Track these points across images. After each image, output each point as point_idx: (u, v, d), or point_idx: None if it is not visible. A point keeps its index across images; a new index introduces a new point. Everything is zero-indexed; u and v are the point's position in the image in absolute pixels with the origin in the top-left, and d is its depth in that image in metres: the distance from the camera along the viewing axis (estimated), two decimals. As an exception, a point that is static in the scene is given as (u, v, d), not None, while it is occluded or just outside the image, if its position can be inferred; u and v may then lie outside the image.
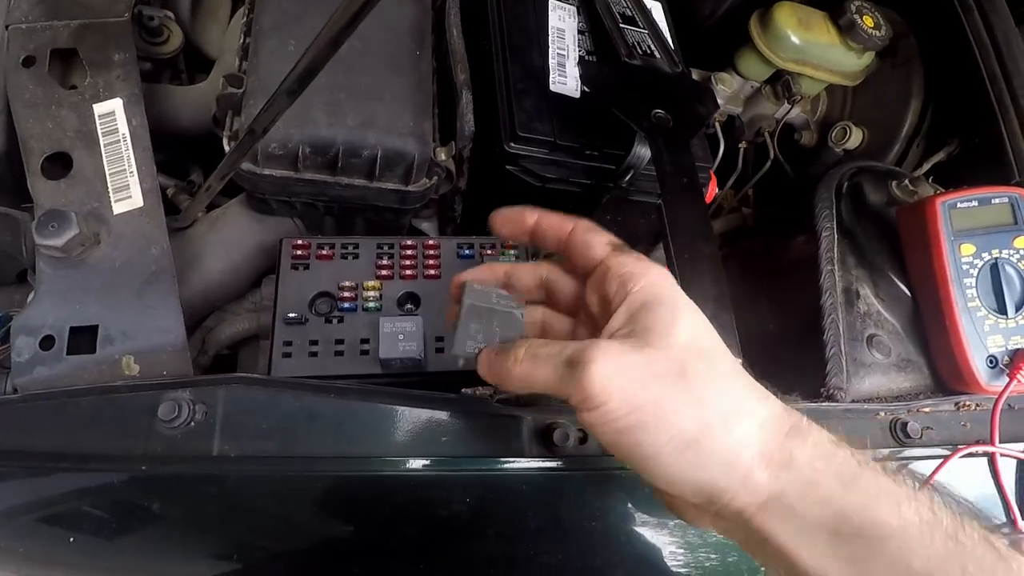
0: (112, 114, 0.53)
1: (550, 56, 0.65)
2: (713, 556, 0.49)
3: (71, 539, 0.40)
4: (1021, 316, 0.61)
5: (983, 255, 0.62)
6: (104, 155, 0.52)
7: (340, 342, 0.56)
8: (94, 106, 0.53)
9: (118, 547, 0.42)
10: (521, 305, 0.41)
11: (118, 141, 0.53)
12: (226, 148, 0.56)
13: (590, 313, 0.40)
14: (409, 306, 0.59)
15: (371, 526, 0.45)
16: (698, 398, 0.31)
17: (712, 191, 0.74)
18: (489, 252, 0.62)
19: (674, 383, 0.31)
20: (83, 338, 0.48)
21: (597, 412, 0.31)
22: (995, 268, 0.61)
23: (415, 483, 0.46)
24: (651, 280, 0.35)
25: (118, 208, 0.52)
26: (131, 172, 0.53)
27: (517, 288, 0.44)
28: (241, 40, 0.61)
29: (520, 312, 0.40)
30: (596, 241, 0.39)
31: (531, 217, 0.41)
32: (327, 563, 0.44)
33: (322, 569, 0.44)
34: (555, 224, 0.41)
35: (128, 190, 0.52)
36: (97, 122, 0.53)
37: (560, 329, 0.43)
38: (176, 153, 0.70)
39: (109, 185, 0.52)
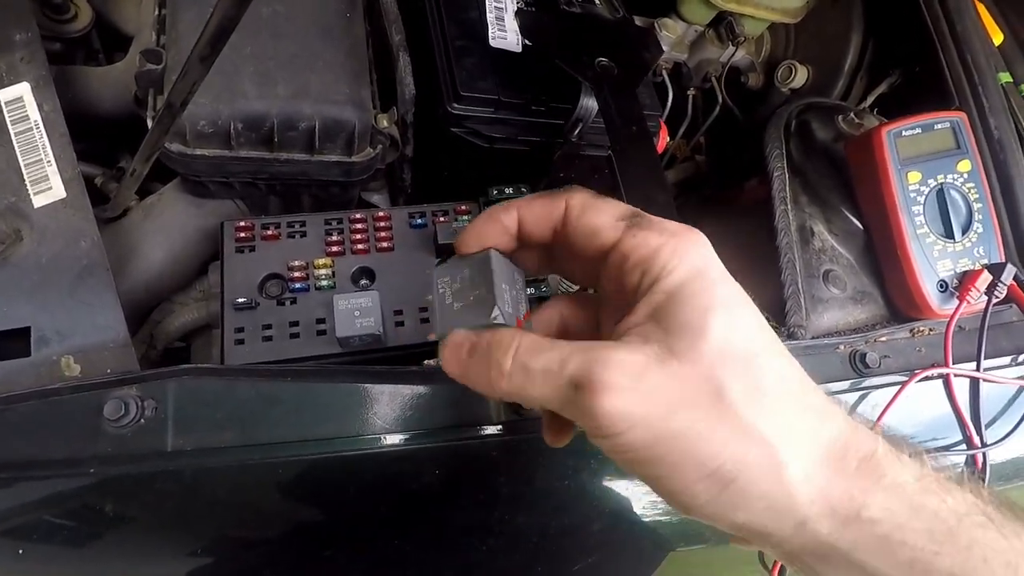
0: (20, 100, 0.49)
1: (487, 10, 0.62)
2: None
3: (20, 551, 0.38)
4: (967, 239, 0.63)
5: (929, 182, 0.62)
6: (16, 145, 0.49)
7: (295, 324, 0.54)
8: (-2, 92, 0.49)
9: (74, 555, 0.40)
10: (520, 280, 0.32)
11: (30, 129, 0.49)
12: (151, 129, 0.52)
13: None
14: (364, 281, 0.57)
15: (341, 507, 0.44)
16: (737, 427, 0.24)
17: (663, 141, 0.74)
18: (442, 219, 0.61)
19: (707, 410, 0.24)
20: (15, 341, 0.46)
21: (610, 442, 0.25)
22: (941, 194, 0.62)
23: (383, 460, 0.45)
24: (681, 260, 0.27)
25: (39, 201, 0.48)
26: (48, 162, 0.49)
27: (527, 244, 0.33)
28: (156, 12, 0.57)
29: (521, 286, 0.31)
30: (601, 221, 0.29)
31: (508, 219, 0.31)
32: (299, 549, 0.43)
33: (294, 555, 0.43)
34: (541, 213, 0.30)
35: (47, 181, 0.49)
36: (4, 109, 0.49)
37: (579, 312, 0.34)
38: (103, 140, 0.66)
39: (26, 177, 0.48)
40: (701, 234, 0.28)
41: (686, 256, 0.27)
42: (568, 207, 0.30)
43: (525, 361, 0.26)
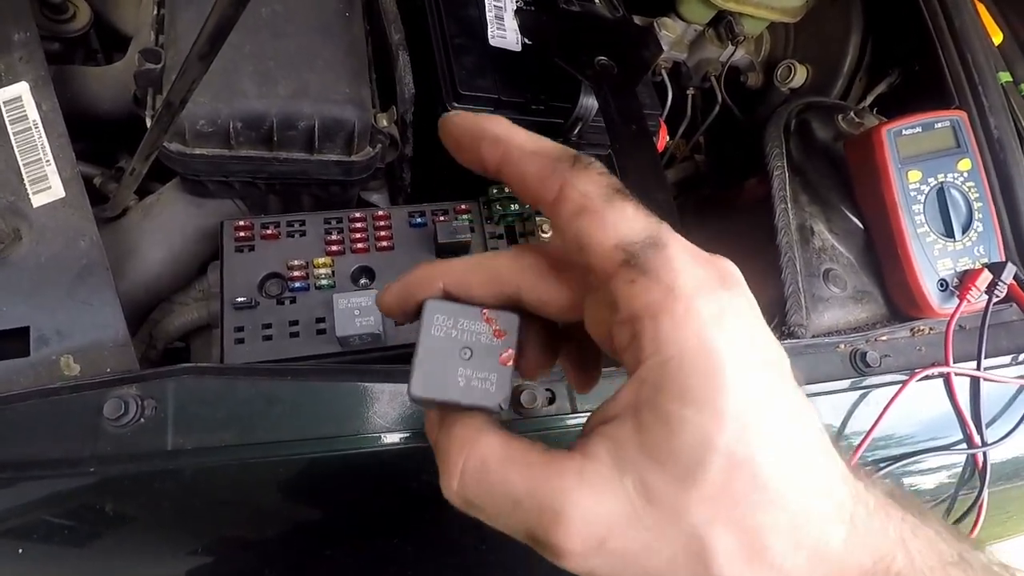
0: (19, 99, 0.49)
1: (487, 9, 0.62)
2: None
3: (20, 551, 0.38)
4: (967, 238, 0.63)
5: (929, 180, 0.62)
6: (15, 145, 0.49)
7: (295, 323, 0.54)
8: (-3, 92, 0.49)
9: (73, 554, 0.40)
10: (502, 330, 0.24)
11: (29, 129, 0.49)
12: (150, 129, 0.52)
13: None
14: (364, 280, 0.57)
15: (341, 506, 0.44)
16: None
17: (663, 140, 0.74)
18: (442, 219, 0.60)
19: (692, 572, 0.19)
20: (15, 341, 0.46)
21: (572, 565, 0.21)
22: (941, 192, 0.62)
23: (383, 458, 0.45)
24: (685, 336, 0.19)
25: (38, 200, 0.48)
26: (47, 161, 0.49)
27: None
28: (155, 12, 0.57)
29: (501, 343, 0.23)
30: (597, 240, 0.21)
31: (493, 148, 0.23)
32: (299, 548, 0.43)
33: (294, 554, 0.43)
34: (532, 173, 0.22)
35: (46, 181, 0.49)
36: (2, 109, 0.49)
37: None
38: (102, 140, 0.66)
39: (25, 177, 0.48)
40: (730, 281, 0.21)
41: (696, 330, 0.19)
42: (562, 194, 0.21)
43: (482, 475, 0.21)
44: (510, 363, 0.23)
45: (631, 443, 0.20)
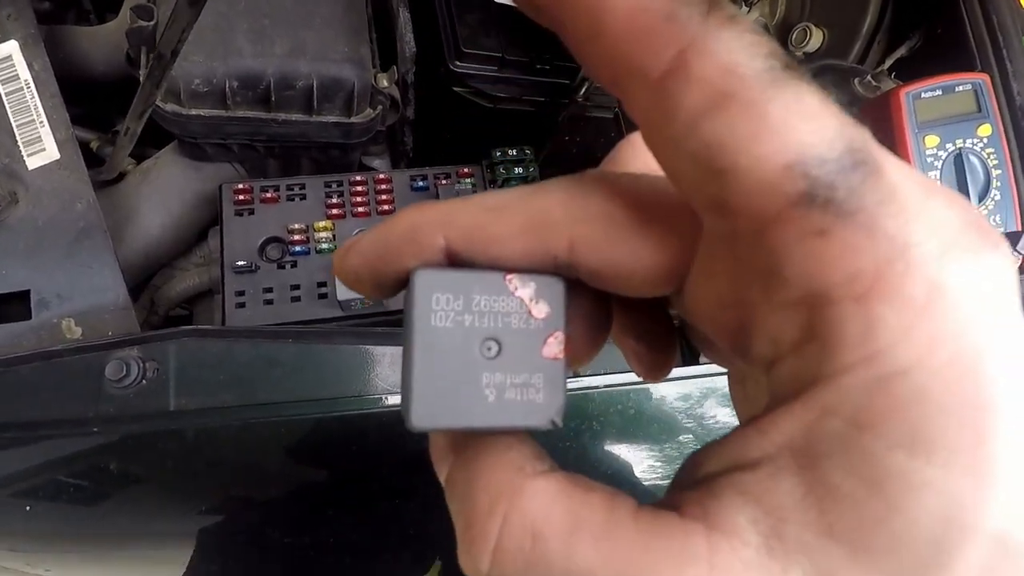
0: (9, 59, 0.48)
1: (490, -36, 0.60)
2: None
3: (27, 508, 0.39)
4: (983, 207, 0.61)
5: (947, 146, 0.61)
6: (7, 105, 0.48)
7: (296, 287, 0.53)
8: (-12, 50, 0.48)
9: (80, 511, 0.40)
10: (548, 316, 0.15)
11: (21, 89, 0.48)
12: (146, 89, 0.51)
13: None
14: (365, 245, 0.57)
15: (343, 467, 0.44)
16: None
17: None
18: (444, 182, 0.59)
19: None
20: (15, 305, 0.46)
21: None
22: (959, 159, 0.60)
23: (385, 420, 0.45)
24: (915, 342, 0.11)
25: (32, 163, 0.48)
26: (41, 122, 0.48)
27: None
28: (148, -33, 0.55)
29: (543, 324, 0.15)
30: (752, 155, 0.11)
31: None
32: (301, 508, 0.43)
33: (296, 514, 0.43)
34: (624, 21, 0.11)
35: (41, 142, 0.48)
36: (-6, 68, 0.48)
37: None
38: (98, 103, 0.64)
39: (18, 138, 0.48)
40: (992, 236, 0.11)
41: (954, 329, 0.11)
42: (687, 74, 0.11)
43: (514, 559, 0.13)
44: (561, 354, 0.14)
45: (799, 513, 0.11)
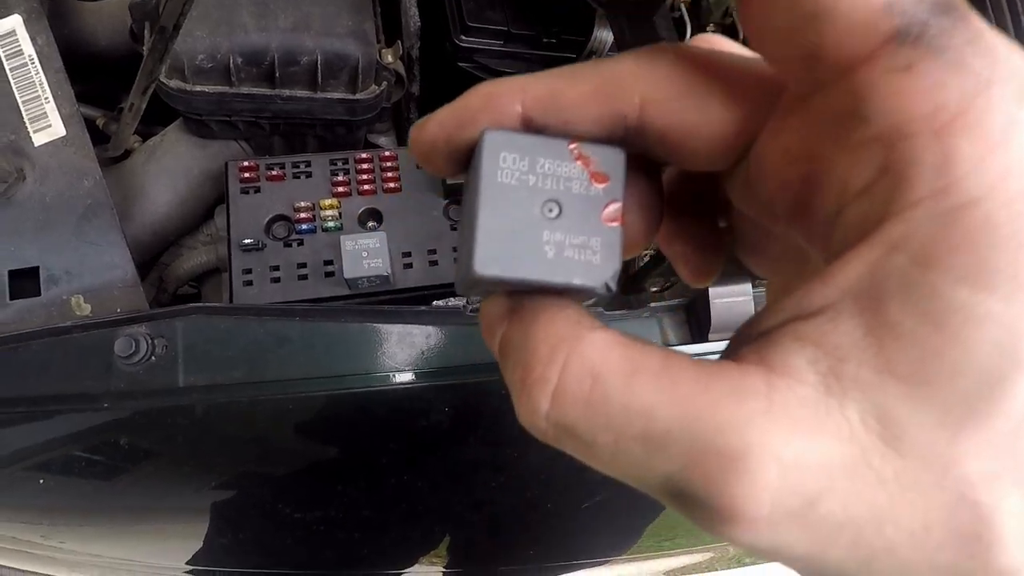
0: (12, 33, 0.48)
1: (496, -65, 0.59)
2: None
3: (40, 481, 0.39)
4: None
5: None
6: (12, 80, 0.47)
7: (303, 266, 0.53)
8: (-10, 26, 0.48)
9: (92, 485, 0.41)
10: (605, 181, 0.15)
11: (25, 64, 0.48)
12: (149, 65, 0.51)
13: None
14: (371, 223, 0.56)
15: (352, 443, 0.44)
16: None
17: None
18: (450, 159, 0.59)
19: (951, 564, 0.12)
20: (25, 281, 0.46)
21: (750, 536, 0.13)
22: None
23: (393, 397, 0.45)
24: (989, 172, 0.11)
25: (39, 139, 0.48)
26: (46, 98, 0.48)
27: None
28: (149, -60, 0.54)
29: (603, 192, 0.15)
30: (858, 11, 0.11)
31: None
32: (311, 484, 0.44)
33: (307, 491, 0.44)
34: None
35: (46, 118, 0.48)
36: (-3, 44, 0.48)
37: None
38: (102, 80, 0.64)
39: (24, 114, 0.47)
40: None
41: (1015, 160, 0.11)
42: None
43: (574, 399, 0.13)
44: (618, 221, 0.15)
45: (858, 352, 0.12)
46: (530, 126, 0.15)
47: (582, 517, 0.49)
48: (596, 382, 0.13)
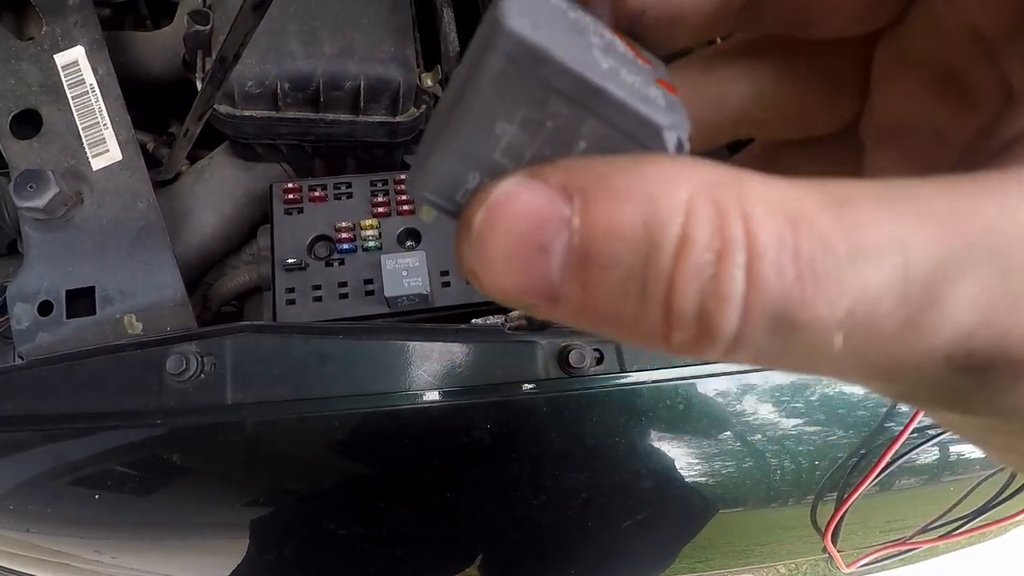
0: (76, 64, 0.50)
1: (532, -38, 0.60)
2: (729, 463, 0.49)
3: (96, 496, 0.40)
4: None
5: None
6: (74, 108, 0.50)
7: (343, 284, 0.54)
8: (55, 56, 0.50)
9: (145, 501, 0.42)
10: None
11: (86, 92, 0.50)
12: (200, 92, 0.53)
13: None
14: (410, 243, 0.57)
15: (394, 460, 0.45)
16: None
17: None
18: (487, 180, 0.60)
19: None
20: (81, 300, 0.47)
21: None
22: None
23: (434, 414, 0.45)
24: None
25: (97, 163, 0.50)
26: (105, 124, 0.50)
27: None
28: (201, -26, 0.57)
29: (651, 69, 0.12)
30: None
31: None
32: (355, 501, 0.44)
33: (349, 506, 0.44)
34: None
35: (105, 144, 0.50)
36: (61, 73, 0.50)
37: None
38: (154, 107, 0.67)
39: (84, 140, 0.50)
40: None
41: None
42: None
43: (782, 276, 0.08)
44: (676, 93, 0.12)
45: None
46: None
47: (623, 536, 0.49)
48: (798, 226, 0.08)
